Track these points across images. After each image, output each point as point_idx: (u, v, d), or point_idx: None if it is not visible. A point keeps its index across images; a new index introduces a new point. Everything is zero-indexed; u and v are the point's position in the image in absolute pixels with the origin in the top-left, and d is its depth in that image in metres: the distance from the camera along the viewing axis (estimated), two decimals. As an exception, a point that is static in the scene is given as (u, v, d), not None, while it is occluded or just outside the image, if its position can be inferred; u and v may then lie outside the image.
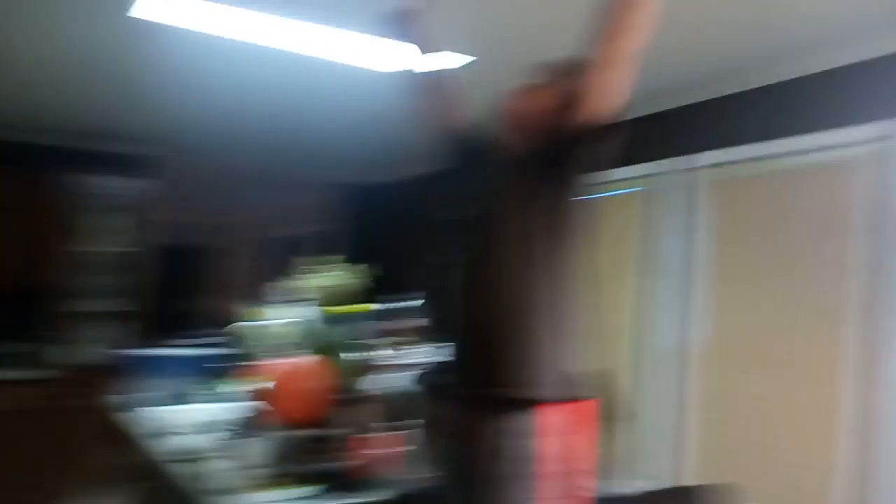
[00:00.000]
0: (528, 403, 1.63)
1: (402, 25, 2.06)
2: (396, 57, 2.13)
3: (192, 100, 4.47)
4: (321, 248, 6.32)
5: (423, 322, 2.92)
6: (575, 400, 1.68)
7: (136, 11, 2.96)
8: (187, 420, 2.61)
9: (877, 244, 2.93)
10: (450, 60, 3.30)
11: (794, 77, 3.28)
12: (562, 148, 1.64)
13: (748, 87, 3.48)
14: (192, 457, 2.21)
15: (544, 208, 1.67)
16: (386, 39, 2.14)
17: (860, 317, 2.97)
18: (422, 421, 2.17)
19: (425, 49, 2.07)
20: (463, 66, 3.41)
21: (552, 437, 1.64)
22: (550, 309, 1.67)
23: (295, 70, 3.75)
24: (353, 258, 2.97)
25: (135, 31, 3.21)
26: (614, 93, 1.53)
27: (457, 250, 1.82)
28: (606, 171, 1.69)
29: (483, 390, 1.65)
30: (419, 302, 2.97)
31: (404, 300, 3.00)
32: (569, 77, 1.78)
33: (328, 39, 3.20)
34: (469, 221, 1.80)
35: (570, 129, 1.61)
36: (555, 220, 1.67)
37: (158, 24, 3.09)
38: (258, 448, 2.15)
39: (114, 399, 3.48)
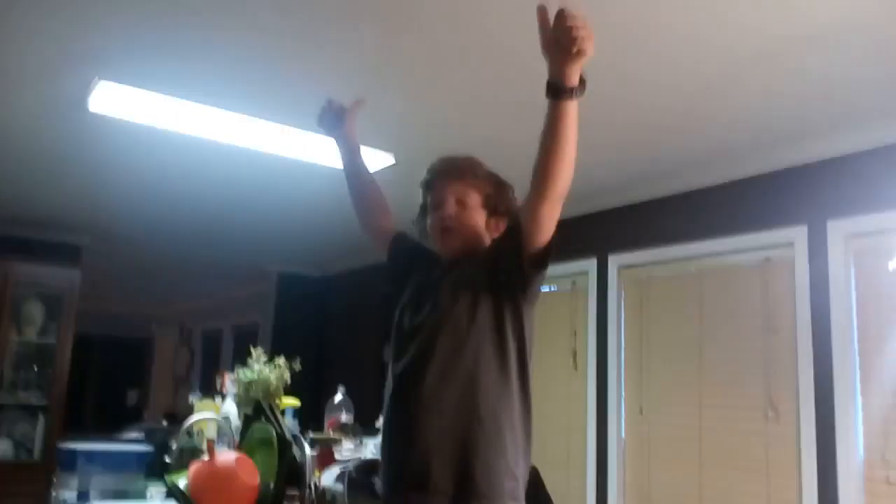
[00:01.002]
0: None
1: (334, 122, 2.08)
2: (333, 152, 2.15)
3: (127, 189, 4.43)
4: (249, 339, 6.19)
5: (348, 418, 2.89)
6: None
7: (92, 106, 2.98)
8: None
9: (784, 343, 3.10)
10: (372, 156, 3.42)
11: (703, 186, 3.53)
12: (515, 268, 1.67)
13: (663, 195, 3.72)
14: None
15: (506, 318, 1.69)
16: (319, 134, 2.17)
17: (776, 410, 3.10)
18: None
19: (350, 148, 2.09)
20: (386, 167, 3.52)
21: None
22: (519, 417, 1.68)
23: (234, 162, 3.79)
24: (277, 350, 2.94)
25: (84, 125, 3.23)
26: (550, 223, 1.62)
27: (394, 352, 1.79)
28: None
29: (450, 499, 1.60)
30: (343, 396, 2.94)
31: (329, 396, 2.96)
32: (498, 191, 1.86)
33: (267, 133, 3.28)
34: (410, 327, 1.77)
35: (521, 253, 1.65)
36: (516, 329, 1.70)
37: (108, 118, 3.12)
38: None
39: (52, 495, 3.22)
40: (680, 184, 3.61)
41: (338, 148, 2.11)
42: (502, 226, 1.83)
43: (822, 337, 2.97)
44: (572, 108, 1.48)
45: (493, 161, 1.93)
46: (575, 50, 1.38)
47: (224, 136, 3.32)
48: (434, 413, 1.65)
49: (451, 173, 1.87)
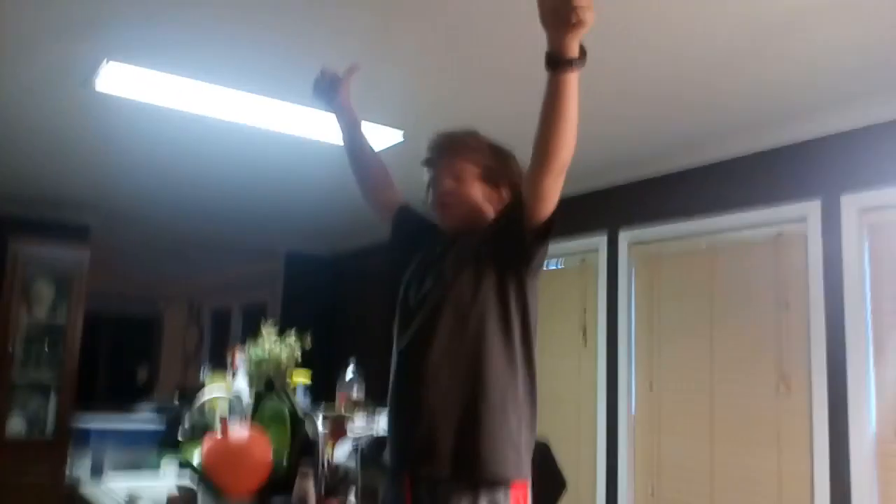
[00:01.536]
0: (503, 483, 1.61)
1: (328, 92, 2.05)
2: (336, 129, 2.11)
3: (135, 168, 4.42)
4: (258, 318, 6.19)
5: (359, 393, 2.89)
6: (529, 475, 1.67)
7: (99, 85, 2.96)
8: (141, 493, 2.49)
9: (797, 318, 3.08)
10: (380, 134, 3.39)
11: (714, 160, 3.49)
12: (518, 241, 1.65)
13: (674, 169, 3.68)
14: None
15: (510, 291, 1.68)
16: (316, 107, 2.12)
17: (788, 386, 3.09)
18: (360, 494, 2.13)
19: (348, 119, 2.05)
20: (395, 143, 3.49)
21: None
22: (524, 389, 1.68)
23: (242, 141, 3.77)
24: (288, 326, 2.94)
25: (92, 103, 3.22)
26: (552, 196, 1.59)
27: (399, 327, 1.79)
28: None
29: (455, 469, 1.60)
30: (353, 372, 2.94)
31: (339, 372, 2.96)
32: (498, 162, 1.84)
33: (275, 112, 3.26)
34: (414, 301, 1.77)
35: (523, 226, 1.62)
36: (520, 302, 1.69)
37: (115, 97, 3.11)
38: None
39: (67, 472, 3.25)
40: (691, 158, 3.57)
41: (337, 121, 2.08)
42: (506, 196, 1.81)
43: (835, 312, 2.95)
44: (572, 79, 1.44)
45: (503, 134, 1.90)
46: (574, 20, 1.32)
47: (232, 115, 3.30)
48: (438, 386, 1.65)
49: (446, 148, 1.85)
